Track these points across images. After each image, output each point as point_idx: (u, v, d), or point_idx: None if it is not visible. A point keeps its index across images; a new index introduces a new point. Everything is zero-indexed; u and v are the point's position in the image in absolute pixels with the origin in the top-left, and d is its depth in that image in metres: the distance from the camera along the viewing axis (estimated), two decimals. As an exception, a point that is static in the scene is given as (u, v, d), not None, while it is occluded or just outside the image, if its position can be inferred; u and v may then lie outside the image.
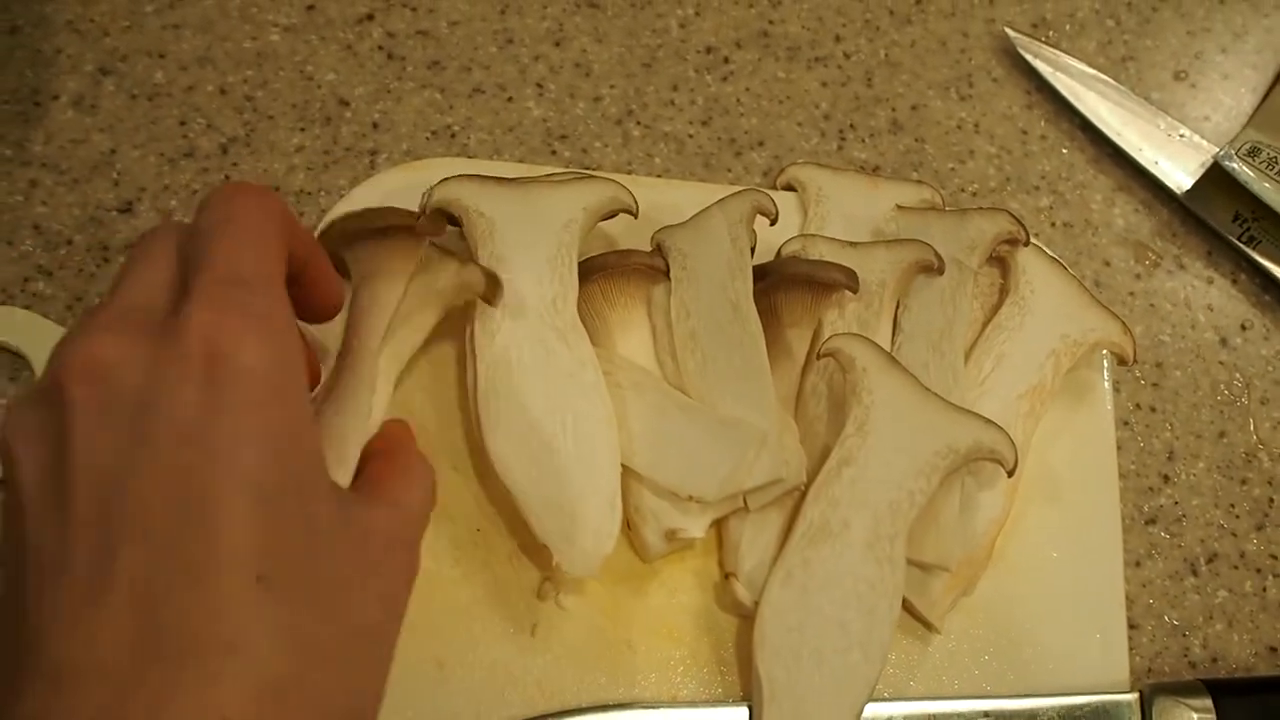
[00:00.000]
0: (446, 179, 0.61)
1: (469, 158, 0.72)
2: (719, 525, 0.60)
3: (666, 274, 0.62)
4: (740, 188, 0.70)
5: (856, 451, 0.57)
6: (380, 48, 0.76)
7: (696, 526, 0.57)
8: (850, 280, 0.61)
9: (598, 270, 0.61)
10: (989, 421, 0.57)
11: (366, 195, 0.67)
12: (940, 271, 0.63)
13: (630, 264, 0.61)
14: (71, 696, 0.33)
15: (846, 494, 0.56)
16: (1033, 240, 0.66)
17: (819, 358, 0.60)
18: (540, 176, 0.63)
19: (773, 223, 0.63)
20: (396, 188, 0.67)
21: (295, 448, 0.39)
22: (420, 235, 0.57)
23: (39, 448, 0.37)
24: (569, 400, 0.57)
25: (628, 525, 0.58)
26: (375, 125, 0.73)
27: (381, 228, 0.57)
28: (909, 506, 0.56)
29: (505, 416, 0.56)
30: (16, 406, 0.39)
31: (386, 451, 0.50)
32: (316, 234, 0.57)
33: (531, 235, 0.60)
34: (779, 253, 0.65)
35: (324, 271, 0.48)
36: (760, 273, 0.62)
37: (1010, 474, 0.57)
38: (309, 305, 0.48)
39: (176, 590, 0.35)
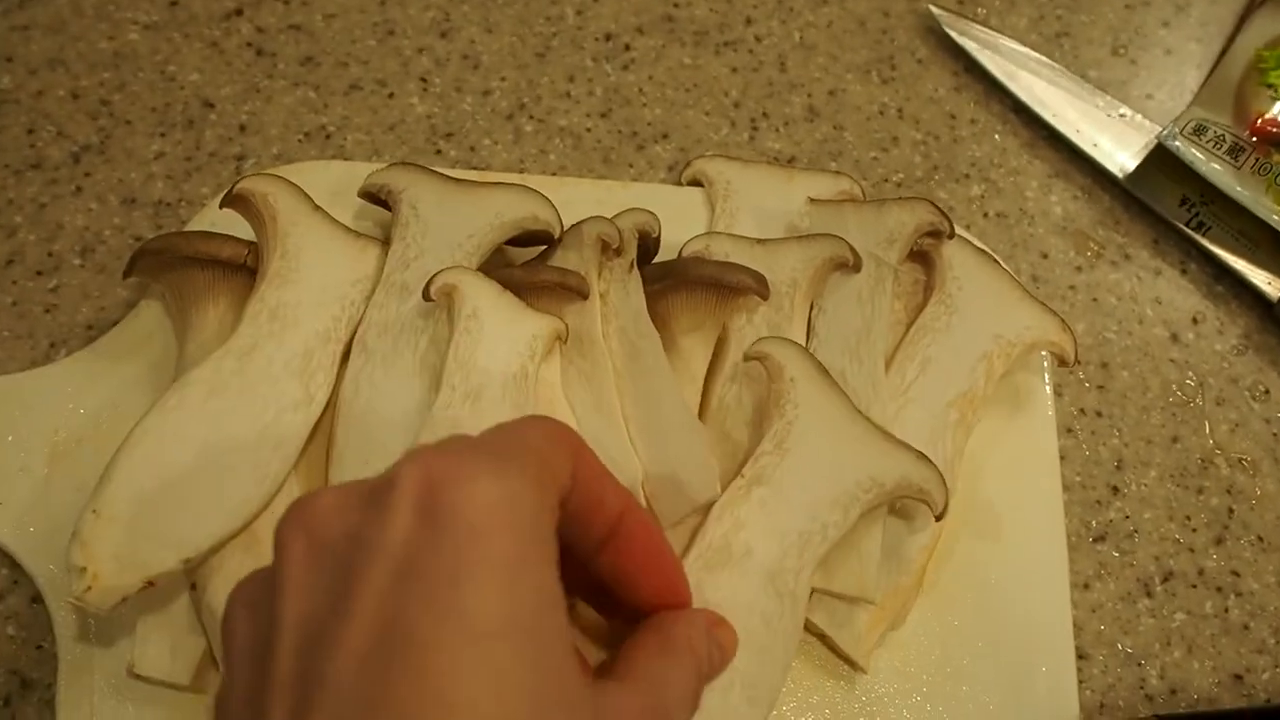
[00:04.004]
0: (392, 164, 0.60)
1: (345, 160, 0.67)
2: None
3: (580, 294, 0.56)
4: (644, 183, 0.65)
5: (771, 471, 0.51)
6: (249, 44, 0.70)
7: None
8: (760, 286, 0.56)
9: (506, 286, 0.55)
10: (921, 456, 0.51)
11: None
12: (856, 269, 0.58)
13: (538, 281, 0.55)
14: None
15: (754, 516, 0.50)
16: (960, 232, 0.61)
17: (745, 360, 0.54)
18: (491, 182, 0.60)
19: (618, 251, 0.58)
20: (264, 195, 0.62)
21: (531, 586, 0.33)
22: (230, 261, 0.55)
23: (252, 614, 0.35)
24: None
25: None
26: (242, 128, 0.67)
27: (189, 256, 0.54)
28: (820, 541, 0.50)
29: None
30: (240, 582, 0.36)
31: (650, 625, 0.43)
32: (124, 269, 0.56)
33: (454, 234, 0.57)
34: (680, 253, 0.60)
35: (647, 530, 0.42)
36: (659, 273, 0.57)
37: (938, 518, 0.51)
38: (632, 574, 0.42)
39: None
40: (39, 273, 0.62)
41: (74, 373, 0.57)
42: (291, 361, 0.53)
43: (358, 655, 0.31)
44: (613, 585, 0.42)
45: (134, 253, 0.55)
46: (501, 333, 0.53)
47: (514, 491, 0.33)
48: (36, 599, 0.53)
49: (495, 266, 0.57)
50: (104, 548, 0.47)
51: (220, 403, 0.51)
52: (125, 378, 0.57)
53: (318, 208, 0.57)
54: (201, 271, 0.55)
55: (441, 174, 0.59)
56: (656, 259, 0.60)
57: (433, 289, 0.53)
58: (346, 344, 0.55)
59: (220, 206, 0.56)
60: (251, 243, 0.56)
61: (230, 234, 0.56)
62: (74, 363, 0.58)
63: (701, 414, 0.57)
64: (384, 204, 0.59)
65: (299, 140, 0.67)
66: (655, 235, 0.58)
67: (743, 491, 0.51)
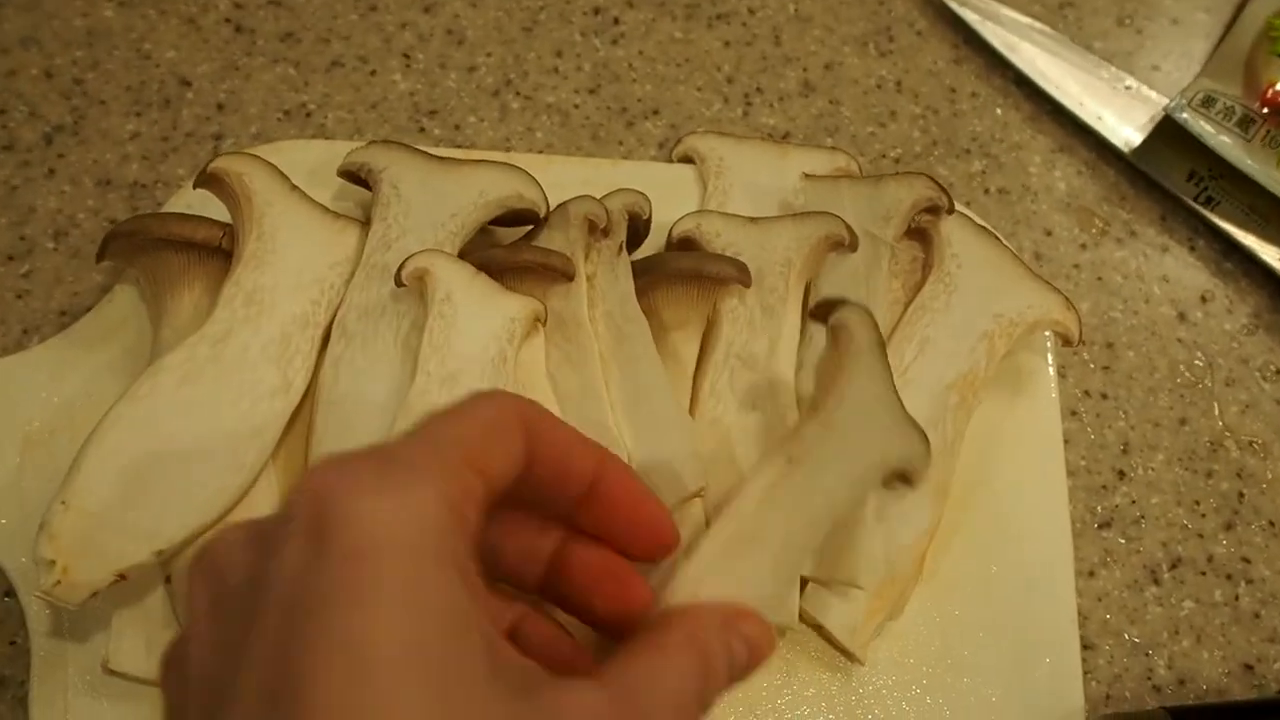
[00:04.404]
0: (372, 143, 0.58)
1: (326, 139, 0.65)
2: None
3: (565, 275, 0.54)
4: (634, 161, 0.64)
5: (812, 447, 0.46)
6: (227, 20, 0.68)
7: None
8: (742, 274, 0.55)
9: (486, 267, 0.54)
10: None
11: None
12: (853, 248, 0.57)
13: (520, 262, 0.54)
14: None
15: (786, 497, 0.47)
16: (960, 209, 0.59)
17: (811, 318, 0.53)
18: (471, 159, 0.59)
19: (606, 232, 0.56)
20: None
21: (430, 608, 0.30)
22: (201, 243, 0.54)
23: (175, 673, 0.33)
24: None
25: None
26: (220, 106, 0.66)
27: (163, 238, 0.53)
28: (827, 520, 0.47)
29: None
30: (173, 640, 0.35)
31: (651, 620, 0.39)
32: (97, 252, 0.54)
33: (435, 214, 0.56)
34: (669, 234, 0.58)
35: (624, 483, 0.40)
36: (640, 268, 0.56)
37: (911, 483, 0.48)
38: (616, 527, 0.40)
39: None
40: (10, 257, 0.61)
41: (47, 360, 0.56)
42: (268, 347, 0.52)
43: (250, 715, 0.29)
44: (601, 536, 0.40)
45: (106, 236, 0.54)
46: (477, 316, 0.51)
47: (410, 505, 0.30)
48: (9, 593, 0.52)
49: (480, 247, 0.56)
50: (73, 540, 0.46)
51: (194, 390, 0.50)
52: (99, 365, 0.56)
53: (295, 188, 0.55)
54: (176, 255, 0.54)
55: (423, 152, 0.58)
56: (647, 239, 0.59)
57: (404, 273, 0.51)
58: (325, 328, 0.54)
59: (194, 187, 0.55)
60: (227, 225, 0.54)
61: (206, 215, 0.54)
62: (47, 350, 0.56)
63: (692, 402, 0.56)
64: (364, 183, 0.58)
65: (279, 119, 0.66)
66: (646, 217, 0.57)
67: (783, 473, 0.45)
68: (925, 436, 0.48)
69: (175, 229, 0.53)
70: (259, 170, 0.55)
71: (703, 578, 0.41)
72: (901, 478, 0.47)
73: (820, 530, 0.46)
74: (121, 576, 0.47)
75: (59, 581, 0.45)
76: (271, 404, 0.51)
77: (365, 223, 0.56)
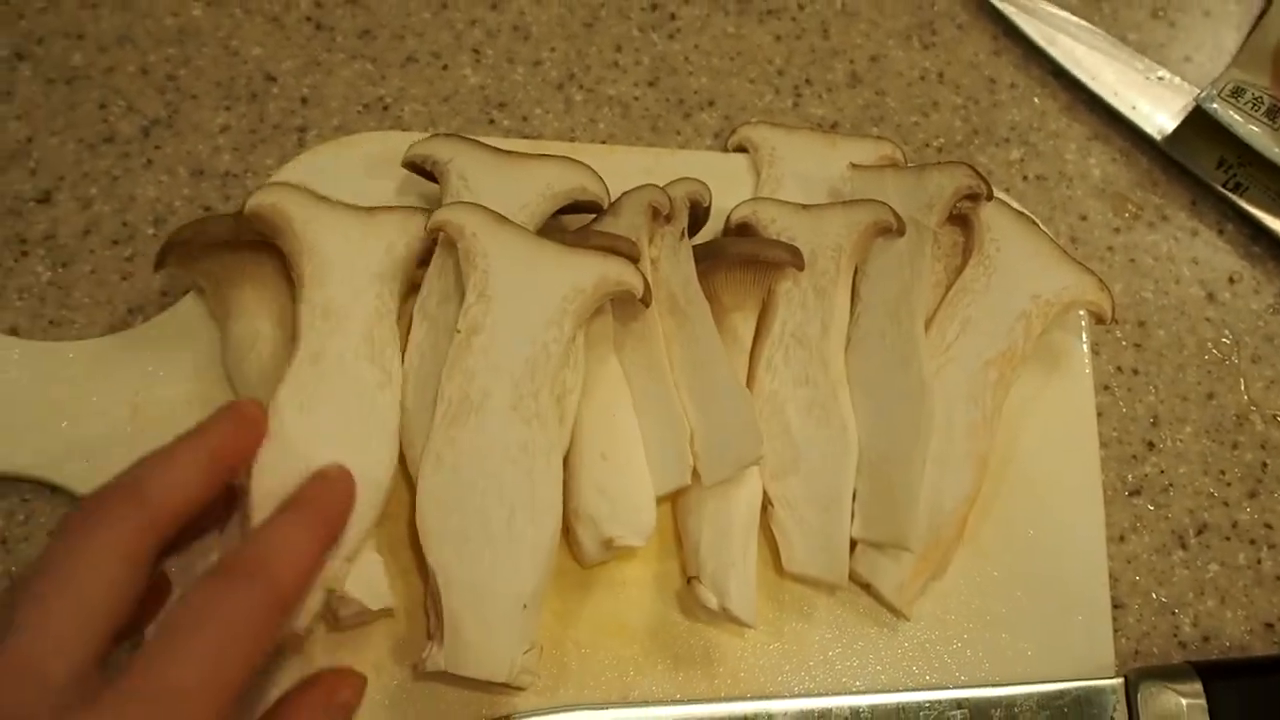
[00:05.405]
0: (434, 135, 0.61)
1: (403, 130, 0.69)
2: (678, 528, 0.57)
3: (631, 259, 0.58)
4: (691, 150, 0.67)
5: (482, 318, 0.53)
6: (308, 18, 0.72)
7: (636, 536, 0.53)
8: (795, 258, 0.58)
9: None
10: (609, 255, 0.54)
11: (295, 174, 0.64)
12: (900, 233, 0.59)
13: (589, 247, 0.57)
14: None
15: (480, 363, 0.53)
16: (999, 195, 0.62)
17: (428, 232, 0.56)
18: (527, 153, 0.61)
19: (668, 218, 0.59)
20: (326, 165, 0.64)
21: None
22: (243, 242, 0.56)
23: None
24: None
25: (566, 531, 0.55)
26: (304, 100, 0.69)
27: (221, 238, 0.56)
28: (546, 358, 0.53)
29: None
30: None
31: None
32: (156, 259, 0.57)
33: (506, 205, 0.58)
34: (727, 219, 0.61)
35: None
36: (700, 254, 0.59)
37: (644, 302, 0.55)
38: None
39: None
40: (115, 242, 0.64)
41: (151, 337, 0.60)
42: (360, 349, 0.54)
43: None
44: None
45: (163, 246, 0.56)
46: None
47: None
48: None
49: (549, 234, 0.59)
50: None
51: (316, 412, 0.52)
52: (201, 341, 0.59)
53: (323, 198, 0.57)
54: (231, 254, 0.56)
55: (485, 144, 0.61)
56: (706, 225, 0.62)
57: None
58: (398, 310, 0.57)
59: (240, 232, 0.56)
60: None
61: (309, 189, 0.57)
62: (151, 328, 0.60)
63: (749, 377, 0.59)
64: (428, 175, 0.60)
65: (358, 111, 0.69)
66: (706, 204, 0.60)
67: (464, 344, 0.53)
68: (602, 254, 0.55)
69: (228, 229, 0.55)
70: (288, 195, 0.56)
71: None
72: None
73: (540, 367, 0.53)
74: (332, 591, 0.50)
75: None
76: (382, 397, 0.54)
77: (398, 209, 0.58)
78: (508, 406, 0.52)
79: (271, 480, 0.50)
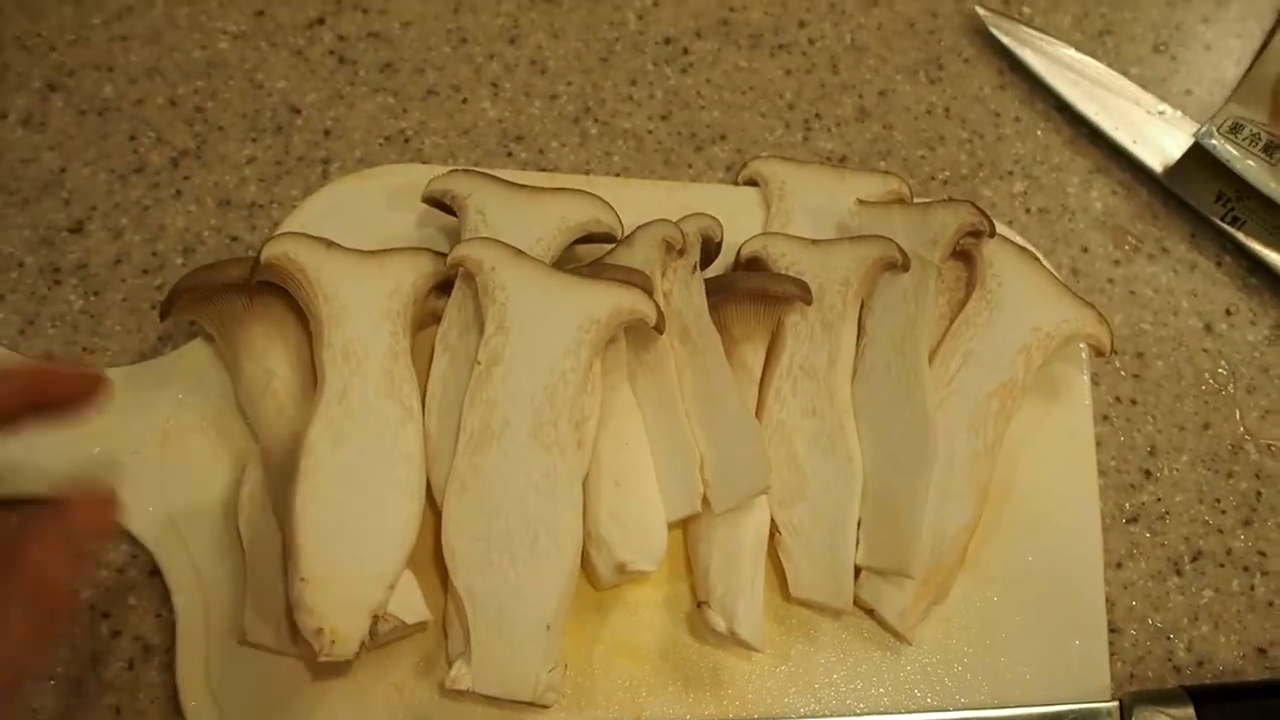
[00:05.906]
0: (453, 171, 0.63)
1: (424, 163, 0.71)
2: (688, 552, 0.59)
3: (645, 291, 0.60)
4: (703, 184, 0.69)
5: (502, 349, 0.56)
6: (331, 52, 0.74)
7: (648, 560, 0.55)
8: (804, 293, 0.60)
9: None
10: (623, 284, 0.56)
11: (319, 206, 0.66)
12: (905, 268, 0.61)
13: (604, 279, 0.59)
14: None
15: (500, 392, 0.55)
16: (1001, 229, 0.64)
17: (448, 266, 0.58)
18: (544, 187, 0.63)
19: (681, 252, 0.61)
20: (349, 197, 0.66)
21: None
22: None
23: None
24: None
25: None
26: (327, 133, 0.71)
27: (227, 283, 0.57)
28: (564, 387, 0.55)
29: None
30: None
31: None
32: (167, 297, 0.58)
33: (522, 238, 0.60)
34: (738, 253, 0.63)
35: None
36: (711, 288, 0.60)
37: (658, 330, 0.56)
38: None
39: None
40: (145, 271, 0.66)
41: (180, 365, 0.61)
42: (380, 385, 0.56)
43: None
44: None
45: (170, 294, 0.58)
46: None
47: None
48: (155, 572, 0.58)
49: (564, 265, 0.61)
50: (325, 606, 0.51)
51: (347, 448, 0.54)
52: (224, 372, 0.61)
53: (332, 244, 0.58)
54: (237, 296, 0.58)
55: (501, 179, 0.62)
56: (717, 259, 0.64)
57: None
58: (410, 345, 0.58)
59: (252, 281, 0.57)
60: None
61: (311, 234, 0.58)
62: (180, 356, 0.62)
63: (758, 407, 0.61)
64: (447, 209, 0.62)
65: (380, 144, 0.71)
66: (717, 240, 0.62)
67: (484, 375, 0.55)
68: (617, 284, 0.57)
69: (233, 274, 0.57)
70: (298, 244, 0.57)
71: None
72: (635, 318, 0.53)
73: (559, 394, 0.55)
74: (376, 616, 0.52)
75: (333, 642, 0.51)
76: (405, 430, 0.56)
77: (405, 250, 0.60)
78: (528, 434, 0.54)
79: (314, 510, 0.53)
